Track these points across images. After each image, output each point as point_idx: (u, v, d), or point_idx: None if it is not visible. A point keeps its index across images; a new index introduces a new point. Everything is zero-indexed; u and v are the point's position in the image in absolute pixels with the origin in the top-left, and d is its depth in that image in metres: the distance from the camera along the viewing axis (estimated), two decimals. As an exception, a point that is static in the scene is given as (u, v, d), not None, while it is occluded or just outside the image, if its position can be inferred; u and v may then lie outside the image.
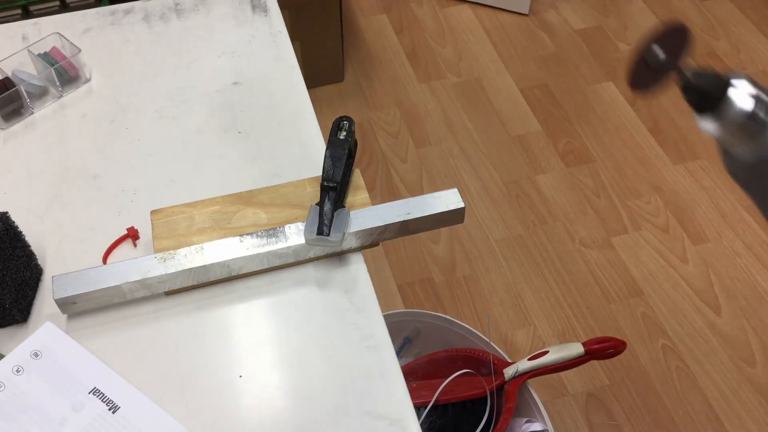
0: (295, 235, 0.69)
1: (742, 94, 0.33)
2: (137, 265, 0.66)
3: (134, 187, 0.78)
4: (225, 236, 0.70)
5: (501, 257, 1.65)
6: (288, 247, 0.68)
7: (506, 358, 1.21)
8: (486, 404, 1.14)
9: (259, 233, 0.69)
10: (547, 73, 2.07)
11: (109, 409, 0.62)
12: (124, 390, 0.63)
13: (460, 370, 1.16)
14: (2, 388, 0.62)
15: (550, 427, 1.16)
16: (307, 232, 0.68)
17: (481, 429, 1.13)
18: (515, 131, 1.92)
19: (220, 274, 0.68)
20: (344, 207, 0.70)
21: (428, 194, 0.72)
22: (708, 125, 0.35)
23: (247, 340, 0.66)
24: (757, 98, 0.33)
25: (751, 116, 0.33)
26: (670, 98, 1.99)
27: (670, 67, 0.35)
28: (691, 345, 1.49)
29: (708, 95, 0.34)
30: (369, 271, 0.71)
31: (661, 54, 0.35)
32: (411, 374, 1.24)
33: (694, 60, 2.10)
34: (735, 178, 0.35)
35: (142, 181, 0.79)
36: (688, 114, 1.96)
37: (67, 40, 0.88)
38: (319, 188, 0.71)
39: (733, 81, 0.34)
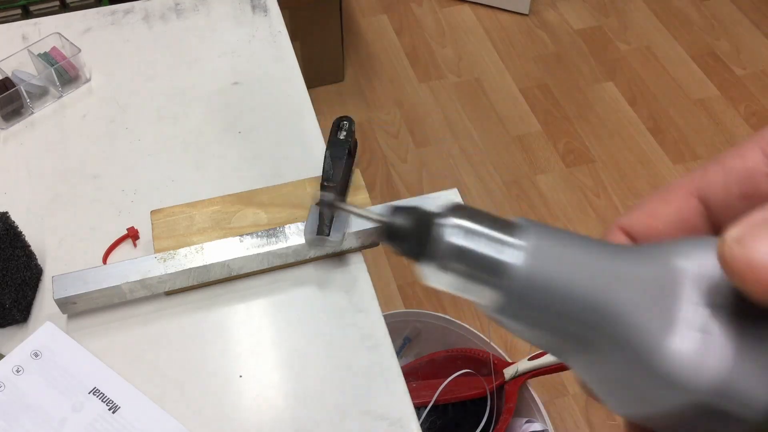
0: (295, 235, 0.69)
1: (452, 230, 0.25)
2: (137, 265, 0.66)
3: (134, 187, 0.78)
4: (225, 236, 0.70)
5: (501, 257, 1.65)
6: (288, 247, 0.68)
7: (506, 358, 1.21)
8: (486, 404, 1.14)
9: (259, 233, 0.69)
10: (547, 73, 2.07)
11: (109, 409, 0.62)
12: (124, 390, 0.63)
13: (460, 370, 1.16)
14: (2, 388, 0.62)
15: (550, 427, 1.16)
16: (307, 232, 0.68)
17: (481, 429, 1.13)
18: (515, 131, 1.92)
19: (220, 274, 0.68)
20: (344, 207, 0.70)
21: (428, 194, 0.72)
22: (431, 276, 0.26)
23: (247, 340, 0.66)
24: (469, 231, 0.25)
25: (467, 254, 0.25)
26: (670, 98, 1.99)
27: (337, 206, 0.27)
28: (691, 345, 1.49)
29: (409, 238, 0.26)
30: (369, 271, 0.71)
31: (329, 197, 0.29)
32: (411, 374, 1.24)
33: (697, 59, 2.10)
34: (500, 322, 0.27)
35: (142, 181, 0.79)
36: (688, 114, 1.96)
37: (67, 40, 0.88)
38: (319, 188, 0.71)
39: (439, 215, 0.25)
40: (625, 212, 0.28)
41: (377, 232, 0.26)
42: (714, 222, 0.26)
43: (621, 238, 0.28)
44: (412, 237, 0.25)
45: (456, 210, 0.25)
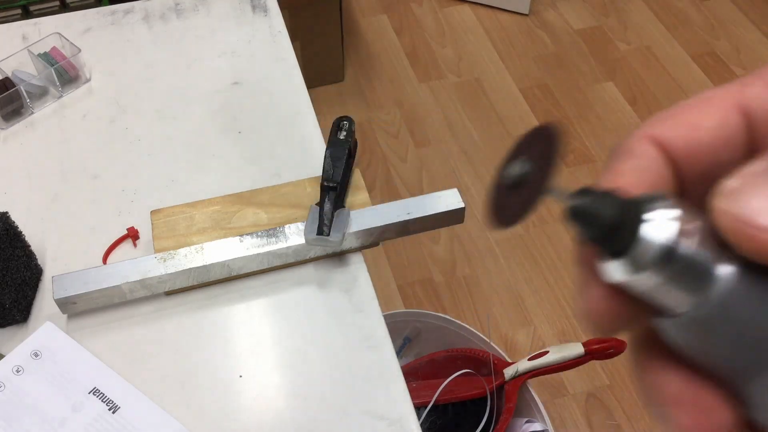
0: (295, 235, 0.69)
1: (664, 227, 0.21)
2: (137, 265, 0.66)
3: (134, 187, 0.78)
4: (225, 236, 0.70)
5: (501, 257, 1.65)
6: (288, 247, 0.68)
7: (506, 358, 1.21)
8: (486, 404, 1.14)
9: (259, 233, 0.69)
10: (547, 73, 2.07)
11: (109, 409, 0.62)
12: (124, 390, 0.63)
13: (460, 370, 1.16)
14: (2, 388, 0.62)
15: (550, 427, 1.16)
16: (307, 232, 0.68)
17: (481, 429, 1.13)
18: (515, 131, 1.92)
19: (220, 274, 0.68)
20: (344, 207, 0.70)
21: (428, 194, 0.72)
22: (621, 272, 0.22)
23: (247, 340, 0.66)
24: (682, 230, 0.21)
25: (677, 257, 0.21)
26: (670, 98, 1.99)
27: (538, 186, 0.24)
28: (691, 345, 1.49)
29: (612, 228, 0.22)
30: (369, 271, 0.71)
31: (523, 170, 0.24)
32: (411, 374, 1.24)
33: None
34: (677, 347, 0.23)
35: (142, 181, 0.79)
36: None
37: (67, 40, 0.88)
38: (319, 188, 0.71)
39: (647, 207, 0.21)
40: (651, 121, 0.23)
41: (566, 212, 0.23)
42: (754, 142, 0.23)
43: (649, 150, 0.23)
44: (609, 226, 0.22)
45: (662, 202, 0.22)
